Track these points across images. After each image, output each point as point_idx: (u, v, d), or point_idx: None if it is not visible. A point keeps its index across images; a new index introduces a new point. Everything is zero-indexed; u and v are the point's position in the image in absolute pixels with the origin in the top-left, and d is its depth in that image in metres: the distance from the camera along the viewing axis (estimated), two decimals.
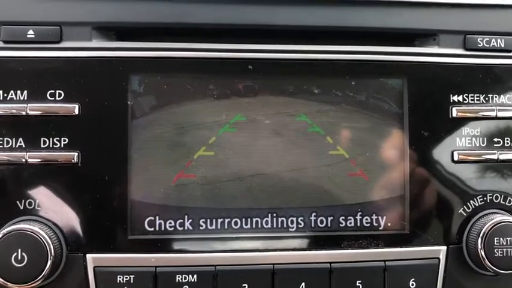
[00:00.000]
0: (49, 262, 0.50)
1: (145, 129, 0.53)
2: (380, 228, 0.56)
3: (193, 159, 0.54)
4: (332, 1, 0.57)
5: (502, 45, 0.58)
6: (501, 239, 0.54)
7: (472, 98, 0.57)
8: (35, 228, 0.50)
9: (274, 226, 0.53)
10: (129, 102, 0.53)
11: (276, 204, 0.53)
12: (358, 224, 0.55)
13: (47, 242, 0.50)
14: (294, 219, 0.53)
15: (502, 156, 0.57)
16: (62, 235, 0.52)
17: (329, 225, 0.55)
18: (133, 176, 0.53)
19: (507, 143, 0.57)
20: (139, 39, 0.54)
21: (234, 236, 0.53)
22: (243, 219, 0.53)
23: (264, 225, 0.53)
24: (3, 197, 0.53)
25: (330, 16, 0.56)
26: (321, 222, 0.54)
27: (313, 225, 0.54)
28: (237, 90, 0.55)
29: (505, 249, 0.54)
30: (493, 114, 0.57)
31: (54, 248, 0.50)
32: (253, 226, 0.53)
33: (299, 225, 0.54)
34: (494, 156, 0.57)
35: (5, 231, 0.50)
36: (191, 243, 0.53)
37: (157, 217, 0.53)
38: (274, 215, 0.53)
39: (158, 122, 0.52)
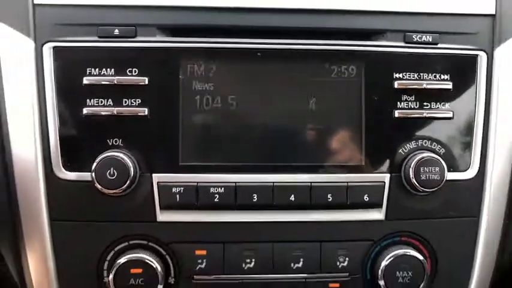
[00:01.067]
0: (129, 178, 0.70)
1: (190, 93, 0.73)
2: (344, 161, 0.75)
3: (219, 116, 0.74)
4: (315, 10, 0.75)
5: (430, 40, 0.76)
6: (425, 167, 0.73)
7: (409, 75, 0.76)
8: (120, 155, 0.70)
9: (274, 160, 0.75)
10: (180, 77, 0.73)
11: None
12: (330, 160, 0.75)
13: (128, 165, 0.70)
14: None
15: (428, 115, 0.75)
16: (136, 161, 0.72)
17: (310, 161, 0.75)
18: (183, 125, 0.73)
19: (432, 106, 0.76)
20: (186, 35, 0.74)
21: (248, 164, 0.74)
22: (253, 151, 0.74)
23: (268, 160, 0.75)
24: (100, 136, 0.72)
25: (315, 20, 0.76)
26: (306, 155, 0.75)
27: (298, 160, 0.75)
28: (249, 69, 0.75)
29: (428, 175, 0.73)
30: (422, 86, 0.75)
31: (132, 169, 0.70)
32: (260, 159, 0.75)
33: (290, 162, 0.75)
34: (423, 115, 0.75)
35: (102, 156, 0.70)
36: (220, 168, 0.73)
37: (199, 151, 0.74)
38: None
39: (199, 88, 0.73)
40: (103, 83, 0.73)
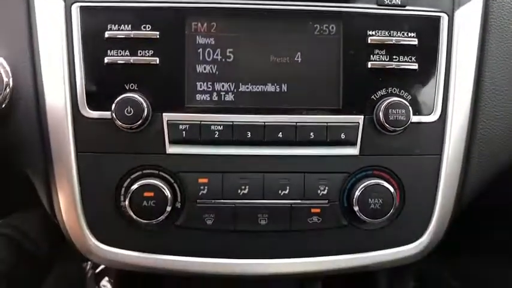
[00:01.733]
0: (143, 116, 0.81)
1: (194, 46, 0.84)
2: (325, 105, 0.86)
3: (219, 66, 0.84)
4: None
5: (399, 2, 0.86)
6: (393, 109, 0.84)
7: (381, 33, 0.85)
8: (136, 95, 0.81)
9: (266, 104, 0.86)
10: (186, 32, 0.84)
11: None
12: (313, 104, 0.86)
13: (142, 104, 0.81)
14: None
15: (397, 66, 0.85)
16: (150, 102, 0.82)
17: (296, 105, 0.86)
18: (188, 72, 0.84)
19: (400, 59, 0.86)
20: None
21: (243, 107, 0.85)
22: (248, 96, 0.86)
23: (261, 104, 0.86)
24: (118, 81, 0.83)
25: None
26: (293, 100, 0.86)
27: (286, 103, 0.86)
28: (245, 26, 0.85)
29: (395, 116, 0.84)
30: (392, 42, 0.85)
31: (146, 108, 0.81)
32: (253, 103, 0.86)
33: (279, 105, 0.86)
34: (392, 66, 0.85)
35: (121, 97, 0.81)
36: (220, 110, 0.84)
37: (201, 95, 0.85)
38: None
39: (202, 42, 0.84)
40: (121, 36, 0.83)
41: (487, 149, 0.93)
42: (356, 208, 0.88)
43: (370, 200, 0.87)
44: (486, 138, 0.93)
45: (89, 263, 1.64)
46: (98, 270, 1.71)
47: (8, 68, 0.85)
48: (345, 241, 0.92)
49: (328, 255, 0.92)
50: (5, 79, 0.84)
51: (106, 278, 1.72)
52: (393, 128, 0.86)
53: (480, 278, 1.41)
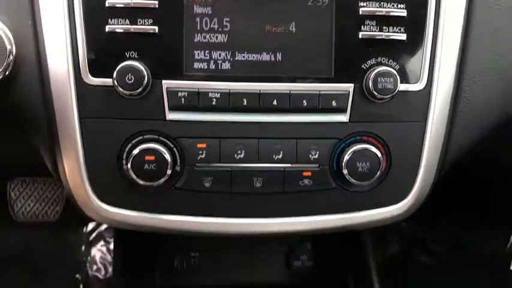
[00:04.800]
0: (144, 82, 0.84)
1: (192, 16, 0.86)
2: (317, 74, 0.89)
3: (216, 34, 0.87)
4: None
5: None
6: (381, 78, 0.88)
7: (372, 4, 0.89)
8: (136, 63, 0.84)
9: (261, 72, 0.89)
10: (184, 2, 0.86)
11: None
12: (306, 72, 0.90)
13: (142, 71, 0.84)
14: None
15: (386, 37, 0.89)
16: (150, 70, 0.85)
17: (290, 74, 0.89)
18: (186, 40, 0.87)
19: (390, 29, 0.89)
20: None
21: (239, 75, 0.88)
22: (244, 64, 0.89)
23: (256, 72, 0.89)
24: (119, 49, 0.86)
25: None
26: (287, 68, 0.90)
27: (280, 72, 0.89)
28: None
29: (383, 84, 0.88)
30: (382, 13, 0.89)
31: (146, 75, 0.85)
32: (249, 71, 0.89)
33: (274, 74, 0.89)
34: (382, 36, 0.89)
35: (122, 65, 0.84)
36: (217, 78, 0.88)
37: (199, 63, 0.88)
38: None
39: (199, 12, 0.87)
40: (121, 5, 0.87)
41: (469, 113, 0.98)
42: (345, 171, 0.93)
43: (358, 163, 0.93)
44: (469, 102, 0.97)
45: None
46: (91, 238, 1.77)
47: (10, 35, 0.87)
48: (334, 202, 0.98)
49: (319, 215, 0.98)
50: (8, 46, 0.86)
51: (101, 242, 1.79)
52: (381, 96, 0.90)
53: (462, 242, 1.49)
